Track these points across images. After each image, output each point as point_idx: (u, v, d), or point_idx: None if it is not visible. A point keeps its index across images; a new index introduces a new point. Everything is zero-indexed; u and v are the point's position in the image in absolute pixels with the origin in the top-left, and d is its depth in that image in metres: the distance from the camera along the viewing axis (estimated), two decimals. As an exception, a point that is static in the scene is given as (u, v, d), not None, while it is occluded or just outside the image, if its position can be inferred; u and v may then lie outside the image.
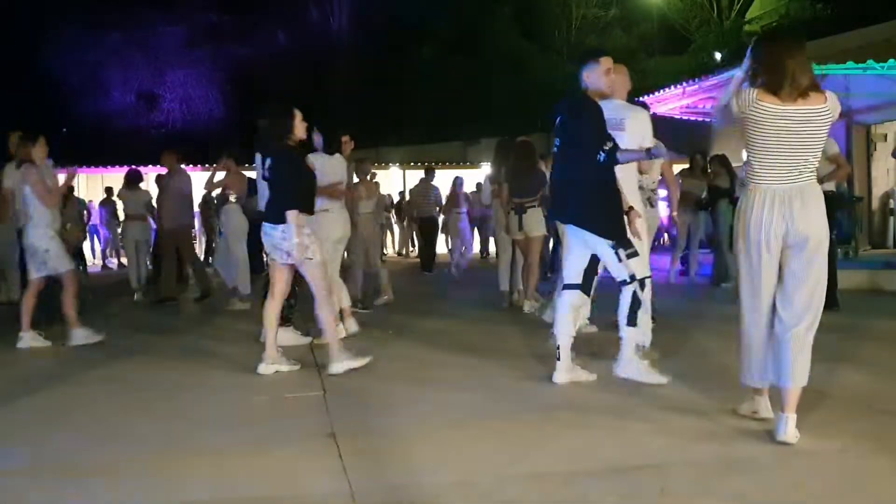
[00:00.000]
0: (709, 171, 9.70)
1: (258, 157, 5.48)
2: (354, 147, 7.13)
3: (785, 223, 3.29)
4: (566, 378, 4.43)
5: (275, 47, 29.87)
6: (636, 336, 4.36)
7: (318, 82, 27.89)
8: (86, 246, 15.48)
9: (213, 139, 23.92)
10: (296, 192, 4.83)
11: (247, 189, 9.08)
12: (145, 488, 3.03)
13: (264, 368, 4.93)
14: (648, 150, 4.45)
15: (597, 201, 4.31)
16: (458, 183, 13.34)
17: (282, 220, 4.76)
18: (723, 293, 8.30)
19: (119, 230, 14.79)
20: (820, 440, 3.29)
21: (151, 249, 10.47)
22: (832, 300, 6.28)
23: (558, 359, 4.45)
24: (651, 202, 6.17)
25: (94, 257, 17.12)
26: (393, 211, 18.29)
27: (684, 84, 10.89)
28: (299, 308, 6.22)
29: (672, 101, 11.59)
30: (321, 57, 29.35)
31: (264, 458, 3.32)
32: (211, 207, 12.30)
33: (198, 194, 10.51)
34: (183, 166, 9.88)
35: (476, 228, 14.89)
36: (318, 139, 6.22)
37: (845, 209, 10.42)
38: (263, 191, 5.25)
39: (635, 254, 4.31)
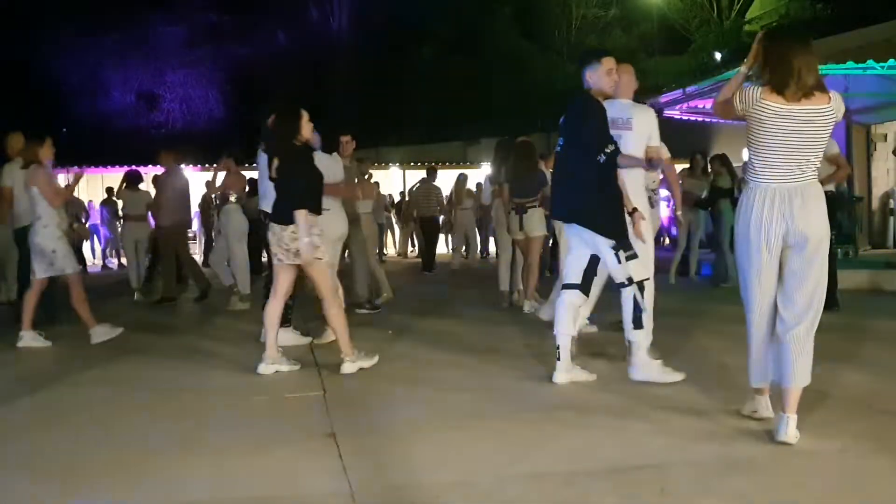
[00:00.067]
0: (709, 171, 9.70)
1: (263, 157, 5.47)
2: (355, 147, 7.13)
3: (785, 222, 3.28)
4: (566, 378, 4.43)
5: (275, 47, 29.92)
6: (644, 338, 4.37)
7: (318, 82, 27.93)
8: (86, 246, 15.49)
9: (213, 139, 23.96)
10: (304, 193, 4.83)
11: (246, 189, 9.11)
12: (145, 488, 3.02)
13: (264, 368, 4.93)
14: (650, 160, 4.47)
15: (598, 201, 4.32)
16: (462, 180, 13.87)
17: (290, 220, 4.76)
18: (723, 293, 8.30)
19: (119, 230, 14.78)
20: (820, 440, 3.28)
21: (147, 249, 10.44)
22: (832, 300, 6.27)
23: (558, 359, 4.44)
24: (651, 202, 6.17)
25: (94, 257, 17.12)
26: (393, 211, 18.30)
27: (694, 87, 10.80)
28: (299, 308, 6.21)
29: (679, 104, 11.54)
30: (321, 57, 29.39)
31: (264, 457, 3.32)
32: (211, 207, 12.28)
33: (197, 194, 10.50)
34: (183, 166, 9.86)
35: (476, 228, 14.97)
36: (316, 139, 6.22)
37: (845, 209, 10.42)
38: (267, 191, 5.23)
39: (635, 256, 4.31)
